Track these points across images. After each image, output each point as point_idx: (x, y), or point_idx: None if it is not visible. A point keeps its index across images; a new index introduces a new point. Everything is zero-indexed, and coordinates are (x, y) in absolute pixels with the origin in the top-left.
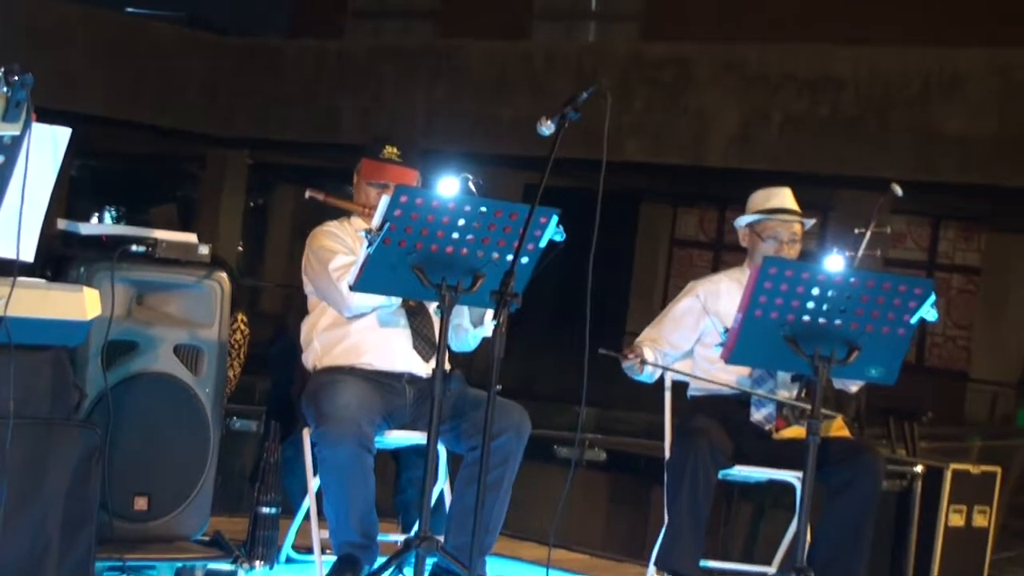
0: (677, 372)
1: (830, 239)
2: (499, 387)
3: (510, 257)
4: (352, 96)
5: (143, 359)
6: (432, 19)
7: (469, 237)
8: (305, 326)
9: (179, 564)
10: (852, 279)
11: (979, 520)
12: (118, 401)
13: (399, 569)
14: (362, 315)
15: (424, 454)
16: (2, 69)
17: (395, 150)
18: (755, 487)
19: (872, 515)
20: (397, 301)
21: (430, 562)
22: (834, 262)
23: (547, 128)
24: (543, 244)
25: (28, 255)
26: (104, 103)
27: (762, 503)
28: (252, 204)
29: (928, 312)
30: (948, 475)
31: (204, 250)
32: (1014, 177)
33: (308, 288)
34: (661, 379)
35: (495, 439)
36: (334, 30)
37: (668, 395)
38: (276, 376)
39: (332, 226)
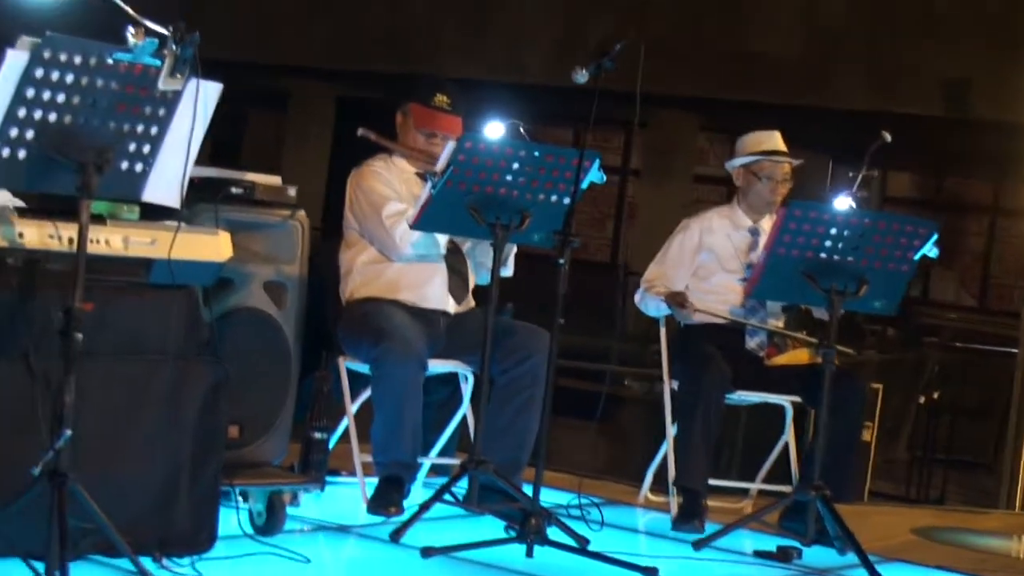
0: (711, 313)
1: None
2: (561, 320)
3: (554, 198)
4: None
5: (238, 295)
6: None
7: (520, 180)
8: (345, 257)
9: (274, 488)
10: (866, 219)
11: (864, 435)
12: (217, 335)
13: (449, 491)
14: None
15: (446, 380)
16: (170, 28)
17: (446, 98)
18: None
19: (859, 434)
20: (443, 248)
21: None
22: (842, 203)
23: (581, 76)
24: (585, 185)
25: (176, 202)
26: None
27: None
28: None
29: (931, 250)
30: None
31: (292, 191)
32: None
33: (352, 225)
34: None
35: (524, 362)
36: None
37: (663, 327)
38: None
39: (378, 166)
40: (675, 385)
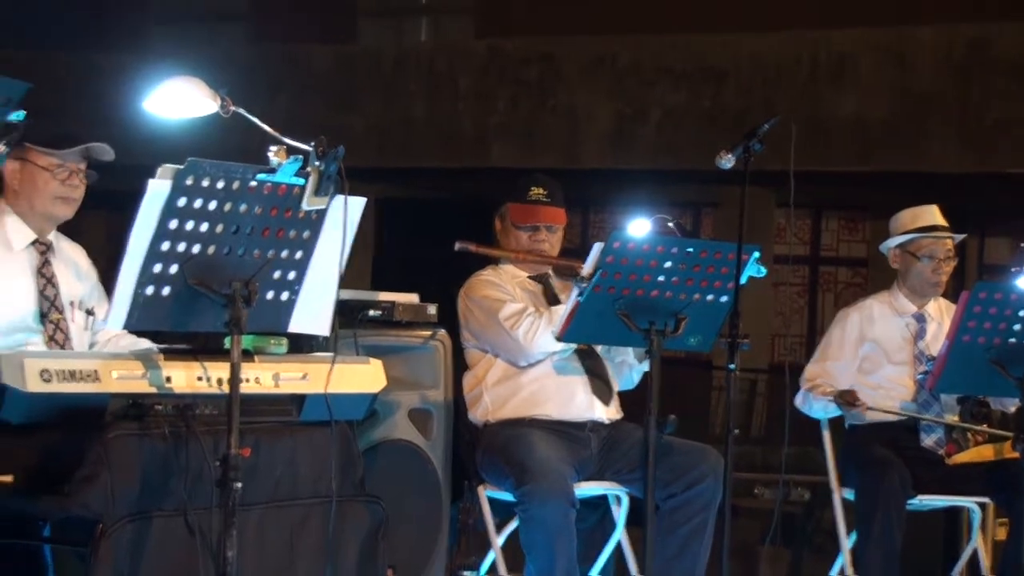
0: (883, 411)
1: (715, 238)
2: (736, 431)
3: (710, 296)
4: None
5: (383, 427)
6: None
7: (674, 279)
8: (469, 380)
9: None
10: None
11: None
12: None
13: None
14: (537, 363)
15: (595, 504)
16: (312, 143)
17: (541, 190)
18: None
19: None
20: (572, 346)
21: None
22: None
23: (727, 161)
24: (744, 280)
25: (325, 329)
26: None
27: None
28: None
29: None
30: None
31: (432, 310)
32: (908, 163)
33: (470, 342)
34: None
35: (694, 486)
36: None
37: (826, 430)
38: None
39: (487, 274)
40: (846, 493)
